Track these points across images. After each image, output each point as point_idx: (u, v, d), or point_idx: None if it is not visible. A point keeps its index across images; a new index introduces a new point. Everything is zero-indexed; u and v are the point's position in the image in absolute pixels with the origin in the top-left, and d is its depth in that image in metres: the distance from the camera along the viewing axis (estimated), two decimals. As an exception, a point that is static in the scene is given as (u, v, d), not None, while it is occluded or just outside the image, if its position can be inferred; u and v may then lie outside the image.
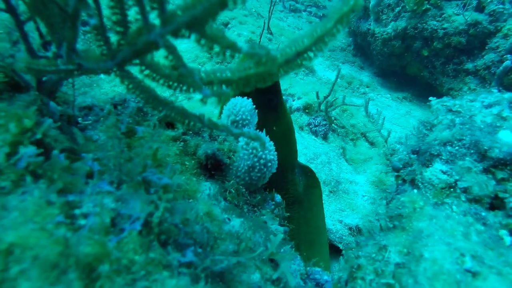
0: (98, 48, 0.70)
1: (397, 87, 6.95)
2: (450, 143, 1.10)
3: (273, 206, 1.35)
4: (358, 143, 4.00)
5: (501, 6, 4.65)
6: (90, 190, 0.69)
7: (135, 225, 0.60)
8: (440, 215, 0.93)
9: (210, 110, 3.22)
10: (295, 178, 2.18)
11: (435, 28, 5.57)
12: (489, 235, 0.90)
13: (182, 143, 1.28)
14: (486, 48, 4.99)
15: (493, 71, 4.77)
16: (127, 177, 0.73)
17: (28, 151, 0.69)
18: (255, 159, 1.23)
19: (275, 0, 7.38)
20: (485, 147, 1.03)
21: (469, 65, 5.29)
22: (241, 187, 1.28)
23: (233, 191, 1.24)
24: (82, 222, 0.62)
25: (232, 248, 0.93)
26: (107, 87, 3.25)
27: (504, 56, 4.48)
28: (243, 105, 1.37)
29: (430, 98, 1.44)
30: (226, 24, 6.84)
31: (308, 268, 1.19)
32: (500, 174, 1.01)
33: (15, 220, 0.54)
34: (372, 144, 4.10)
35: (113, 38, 0.69)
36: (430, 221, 0.91)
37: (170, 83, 0.64)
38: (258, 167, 1.24)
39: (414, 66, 6.39)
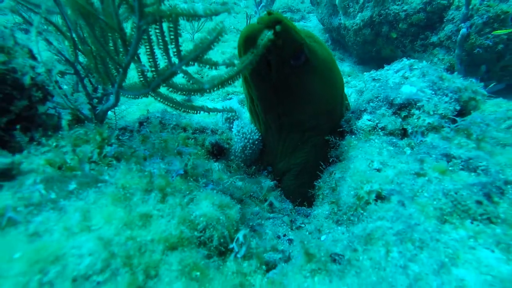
0: (140, 82, 1.23)
1: (377, 71, 7.43)
2: (371, 101, 1.61)
3: (266, 173, 1.85)
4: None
5: (448, -18, 5.20)
6: (148, 163, 1.21)
7: (179, 172, 1.12)
8: (365, 145, 1.44)
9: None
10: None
11: (397, 11, 6.10)
12: (396, 151, 1.39)
13: (193, 140, 1.80)
14: (445, 20, 5.50)
15: (454, 40, 5.26)
16: (167, 153, 1.25)
17: (111, 148, 1.22)
18: (245, 141, 1.75)
19: (250, 13, 8.01)
20: (391, 98, 1.53)
21: (434, 38, 5.79)
22: (240, 162, 1.79)
23: (235, 166, 1.75)
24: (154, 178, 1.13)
25: (238, 194, 1.44)
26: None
27: (460, 25, 4.98)
28: (231, 106, 1.89)
29: (365, 73, 1.95)
30: (210, 45, 7.41)
31: (296, 207, 1.69)
32: (403, 113, 1.51)
33: (114, 179, 1.07)
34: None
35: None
36: (358, 150, 1.41)
37: (184, 92, 1.15)
38: (248, 146, 1.76)
39: (387, 48, 6.89)
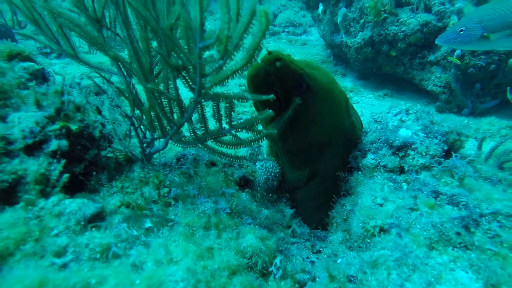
0: (191, 137, 1.56)
1: (378, 86, 7.77)
2: (374, 142, 1.93)
3: (285, 200, 2.18)
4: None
5: (443, 6, 5.58)
6: (198, 202, 1.54)
7: (226, 210, 1.44)
8: (370, 182, 1.76)
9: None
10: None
11: (396, 32, 6.46)
12: (395, 186, 1.71)
13: (223, 173, 2.12)
14: (441, 41, 5.84)
15: (450, 60, 5.60)
16: (212, 193, 1.58)
17: (166, 189, 1.55)
18: (268, 173, 2.07)
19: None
20: (391, 140, 1.86)
21: (431, 57, 6.14)
22: (263, 192, 2.11)
23: (259, 195, 2.08)
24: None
25: (266, 222, 1.76)
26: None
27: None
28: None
29: (369, 115, 2.25)
30: (218, 64, 7.79)
31: (313, 230, 2.00)
32: (400, 154, 1.83)
33: (178, 218, 1.39)
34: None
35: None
36: (364, 186, 1.73)
37: (229, 146, 1.48)
38: (271, 178, 2.08)
39: (387, 66, 7.23)
